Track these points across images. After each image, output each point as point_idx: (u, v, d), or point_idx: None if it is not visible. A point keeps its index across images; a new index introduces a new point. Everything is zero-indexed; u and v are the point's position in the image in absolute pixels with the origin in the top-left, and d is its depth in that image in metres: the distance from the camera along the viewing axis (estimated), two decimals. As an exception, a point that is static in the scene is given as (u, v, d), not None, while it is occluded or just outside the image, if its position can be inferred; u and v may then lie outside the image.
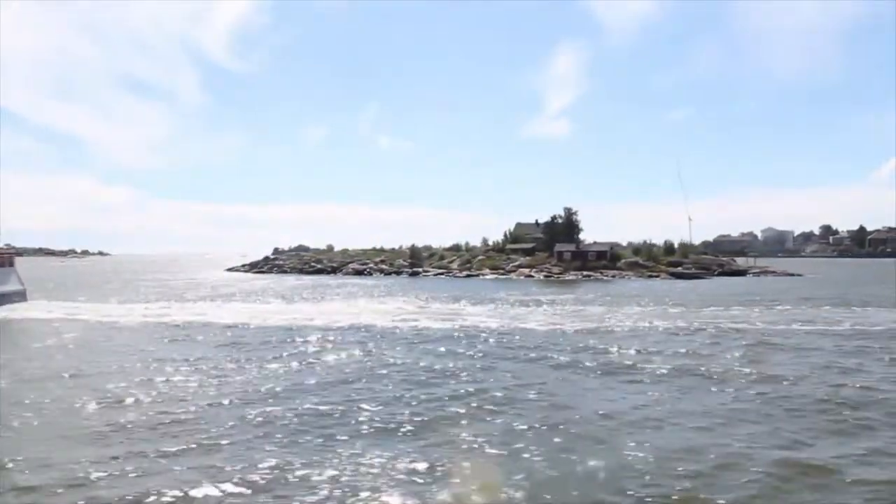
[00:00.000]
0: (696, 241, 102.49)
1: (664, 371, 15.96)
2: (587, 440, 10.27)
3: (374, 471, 8.92)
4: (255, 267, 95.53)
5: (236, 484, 8.44)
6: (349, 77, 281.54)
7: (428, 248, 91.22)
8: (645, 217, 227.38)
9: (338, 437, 10.45)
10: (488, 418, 11.63)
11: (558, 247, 79.85)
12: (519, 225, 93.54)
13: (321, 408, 12.29)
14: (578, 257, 77.27)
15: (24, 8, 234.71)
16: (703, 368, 16.20)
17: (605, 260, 77.03)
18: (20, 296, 37.05)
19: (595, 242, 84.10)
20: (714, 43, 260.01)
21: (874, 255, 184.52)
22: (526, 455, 9.56)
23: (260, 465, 9.10)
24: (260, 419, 11.52)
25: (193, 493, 8.16)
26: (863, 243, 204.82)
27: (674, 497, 8.02)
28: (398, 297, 43.67)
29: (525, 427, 11.01)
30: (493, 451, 9.79)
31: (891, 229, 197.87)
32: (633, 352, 18.87)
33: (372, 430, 10.90)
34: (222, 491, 8.23)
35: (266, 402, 12.86)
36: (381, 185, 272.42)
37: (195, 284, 61.83)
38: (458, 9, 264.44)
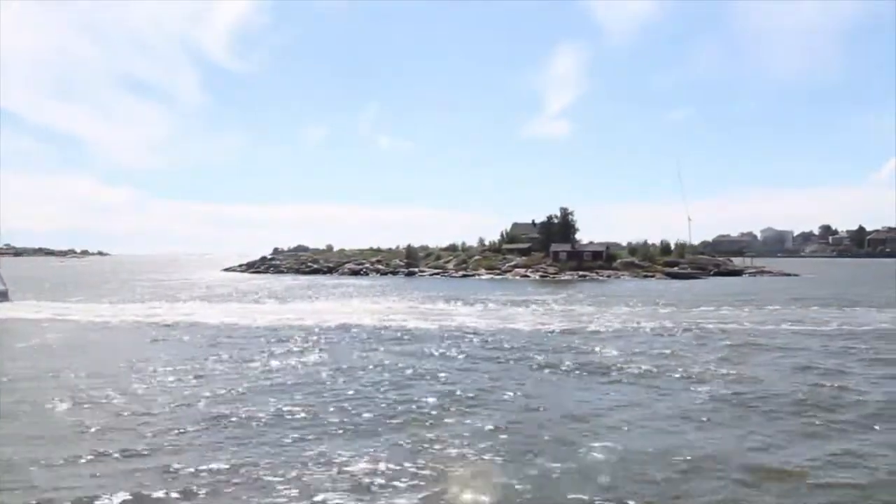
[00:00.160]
0: (696, 242, 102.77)
1: (643, 371, 15.90)
2: (554, 443, 10.18)
3: (334, 471, 8.87)
4: (252, 267, 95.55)
5: (197, 485, 8.39)
6: (349, 77, 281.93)
7: (424, 248, 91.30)
8: (645, 217, 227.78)
9: (305, 438, 10.38)
10: (456, 420, 11.55)
11: (554, 247, 79.85)
12: (515, 225, 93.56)
13: (292, 408, 12.22)
14: (574, 257, 77.27)
15: (24, 8, 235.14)
16: (682, 369, 16.14)
17: (601, 260, 77.04)
18: (1, 296, 36.86)
19: (591, 242, 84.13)
20: (714, 43, 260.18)
21: (873, 255, 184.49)
22: (487, 457, 9.48)
23: (222, 466, 9.02)
24: (231, 419, 11.46)
25: (150, 493, 8.11)
26: (862, 243, 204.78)
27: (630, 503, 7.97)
28: (391, 297, 43.66)
29: (492, 428, 10.94)
30: (456, 451, 9.72)
31: (890, 229, 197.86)
32: (615, 352, 18.82)
33: (339, 430, 10.83)
34: (180, 492, 8.19)
35: (238, 402, 12.80)
36: (381, 185, 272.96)
37: (190, 284, 61.82)
38: (458, 9, 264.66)
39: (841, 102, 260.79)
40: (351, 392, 13.77)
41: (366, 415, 11.86)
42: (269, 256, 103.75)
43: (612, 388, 14.36)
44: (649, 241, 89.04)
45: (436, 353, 18.87)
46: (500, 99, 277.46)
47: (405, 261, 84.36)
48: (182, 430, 10.80)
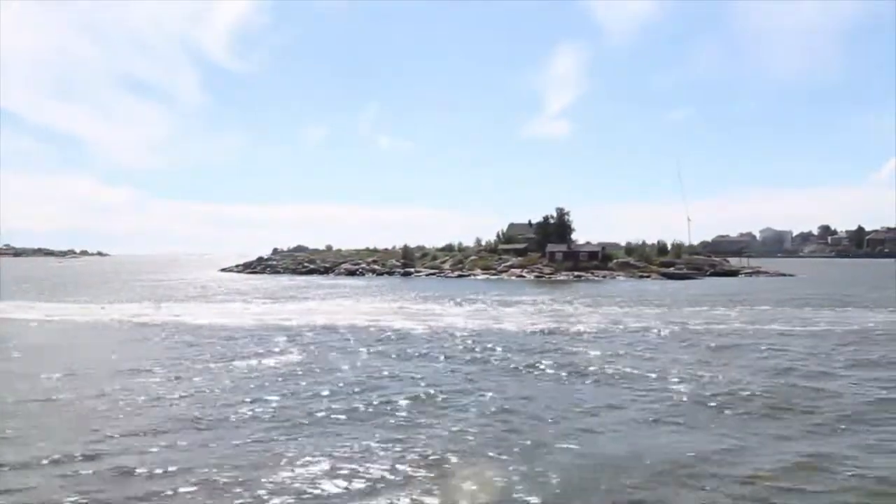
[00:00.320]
0: (696, 242, 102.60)
1: (619, 372, 15.76)
2: (520, 446, 10.08)
3: (294, 472, 8.80)
4: (249, 267, 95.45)
5: (153, 486, 8.32)
6: (349, 77, 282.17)
7: (421, 248, 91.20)
8: (645, 218, 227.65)
9: (270, 438, 10.31)
10: (424, 420, 11.45)
11: (550, 247, 79.75)
12: (512, 225, 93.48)
13: (261, 408, 12.15)
14: (570, 258, 77.14)
15: (24, 8, 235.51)
16: (659, 370, 15.98)
17: (597, 260, 76.90)
18: None
19: (588, 243, 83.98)
20: (714, 43, 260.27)
21: (872, 255, 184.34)
22: (454, 459, 9.41)
23: (183, 467, 8.97)
24: (199, 420, 11.38)
25: (105, 496, 8.05)
26: (861, 244, 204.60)
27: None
28: (383, 297, 43.58)
29: (457, 430, 10.85)
30: (417, 453, 9.63)
31: (889, 230, 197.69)
32: (596, 353, 18.69)
33: (304, 430, 10.75)
34: (135, 495, 8.10)
35: (208, 402, 12.72)
36: (381, 186, 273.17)
37: (185, 285, 61.76)
38: (458, 9, 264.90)
39: (841, 102, 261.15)
40: (326, 392, 13.68)
41: (334, 416, 11.80)
42: (266, 257, 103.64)
43: (587, 389, 14.28)
44: (649, 242, 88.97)
45: (415, 354, 18.77)
46: (500, 99, 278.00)
47: (401, 261, 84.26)
48: (146, 432, 10.72)
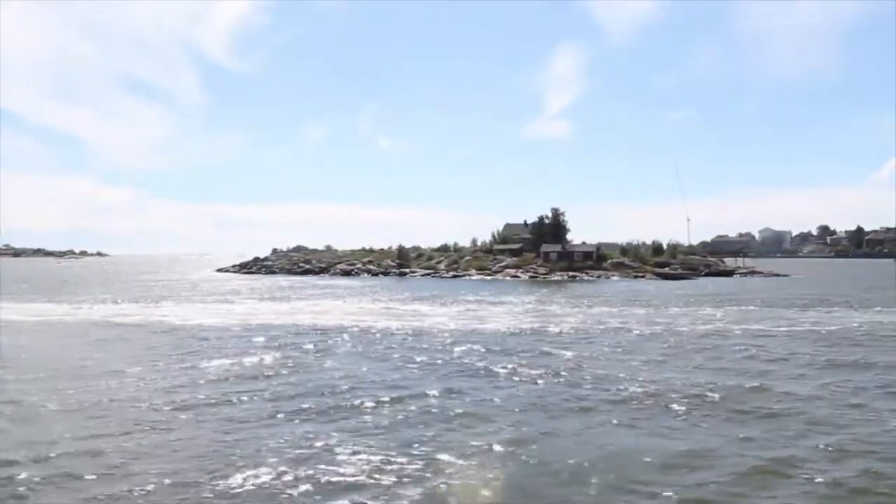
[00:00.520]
0: (695, 242, 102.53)
1: (587, 374, 15.53)
2: (470, 450, 9.98)
3: (241, 475, 8.74)
4: (245, 267, 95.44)
5: (95, 491, 8.27)
6: (349, 77, 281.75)
7: (416, 248, 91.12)
8: (645, 218, 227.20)
9: (211, 438, 10.26)
10: (380, 423, 11.38)
11: (544, 247, 79.65)
12: (507, 225, 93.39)
13: (215, 407, 12.10)
14: (564, 258, 77.05)
15: (24, 8, 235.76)
16: (628, 372, 15.79)
17: (592, 260, 76.79)
18: None
19: (583, 243, 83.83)
20: (714, 43, 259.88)
21: (871, 255, 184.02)
22: (363, 457, 9.36)
23: (124, 470, 8.91)
24: (146, 421, 11.30)
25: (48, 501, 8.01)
26: (860, 244, 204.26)
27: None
28: (375, 298, 43.45)
29: (411, 434, 10.78)
30: (341, 452, 9.62)
31: (888, 230, 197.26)
32: (569, 354, 18.51)
33: (253, 431, 10.70)
34: (82, 498, 8.05)
35: (161, 402, 12.67)
36: (380, 186, 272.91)
37: (180, 285, 61.72)
38: (458, 9, 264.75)
39: (841, 102, 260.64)
40: (292, 393, 13.59)
41: (279, 415, 11.78)
42: (262, 257, 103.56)
43: (554, 390, 14.08)
44: (648, 242, 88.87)
45: (392, 355, 18.64)
46: (500, 99, 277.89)
47: (397, 261, 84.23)
48: (102, 434, 10.63)
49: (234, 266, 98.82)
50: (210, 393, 13.61)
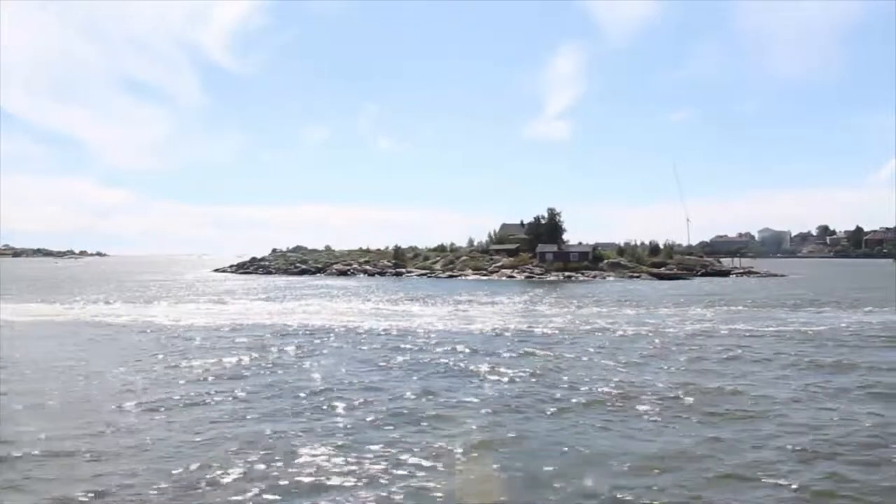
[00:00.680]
0: (695, 242, 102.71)
1: (564, 375, 15.47)
2: (430, 453, 9.92)
3: (208, 474, 8.73)
4: (242, 268, 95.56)
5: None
6: (349, 77, 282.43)
7: (413, 248, 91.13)
8: (645, 218, 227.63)
9: (183, 439, 10.24)
10: (350, 424, 11.34)
11: (541, 247, 79.65)
12: (504, 226, 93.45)
13: (187, 408, 12.08)
14: (560, 258, 77.04)
15: (23, 8, 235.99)
16: (605, 372, 15.80)
17: (587, 261, 76.80)
18: None
19: (580, 243, 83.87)
20: (714, 43, 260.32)
21: (871, 255, 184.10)
22: (321, 453, 9.35)
23: (93, 472, 8.91)
24: (110, 423, 11.24)
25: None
26: (860, 244, 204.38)
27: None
28: (368, 298, 43.45)
29: (379, 436, 10.75)
30: (302, 452, 9.60)
31: (888, 230, 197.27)
32: (548, 353, 18.51)
33: (224, 431, 10.68)
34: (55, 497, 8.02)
35: (128, 402, 12.64)
36: (380, 187, 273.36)
37: (175, 285, 61.74)
38: (458, 9, 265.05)
39: (841, 102, 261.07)
40: (269, 394, 13.58)
41: (250, 416, 11.75)
42: (259, 257, 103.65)
43: (528, 390, 14.04)
44: (647, 242, 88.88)
45: (373, 356, 18.60)
46: (501, 100, 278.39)
47: (393, 262, 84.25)
48: (69, 434, 10.58)
49: (231, 266, 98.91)
50: (186, 393, 13.59)
